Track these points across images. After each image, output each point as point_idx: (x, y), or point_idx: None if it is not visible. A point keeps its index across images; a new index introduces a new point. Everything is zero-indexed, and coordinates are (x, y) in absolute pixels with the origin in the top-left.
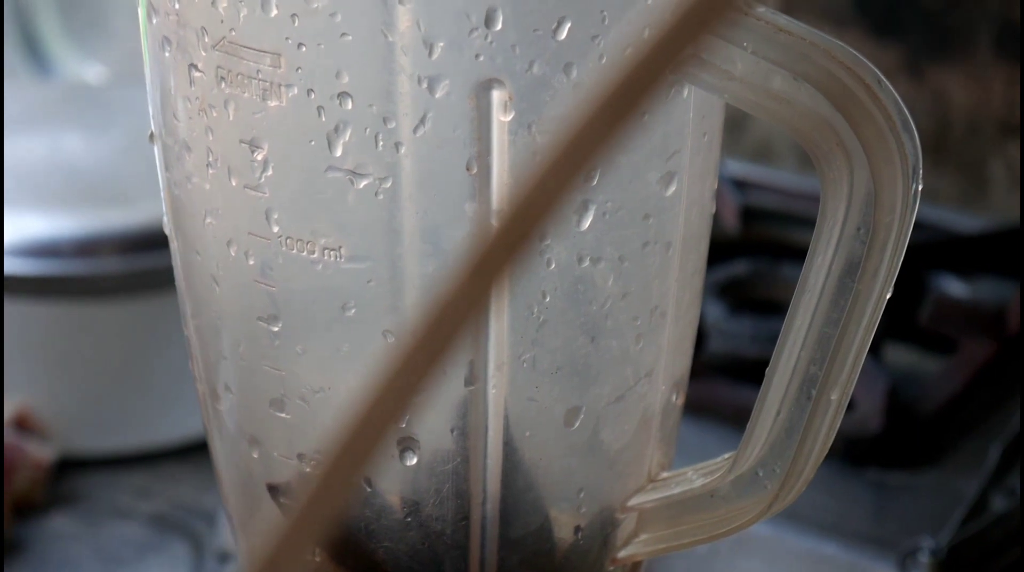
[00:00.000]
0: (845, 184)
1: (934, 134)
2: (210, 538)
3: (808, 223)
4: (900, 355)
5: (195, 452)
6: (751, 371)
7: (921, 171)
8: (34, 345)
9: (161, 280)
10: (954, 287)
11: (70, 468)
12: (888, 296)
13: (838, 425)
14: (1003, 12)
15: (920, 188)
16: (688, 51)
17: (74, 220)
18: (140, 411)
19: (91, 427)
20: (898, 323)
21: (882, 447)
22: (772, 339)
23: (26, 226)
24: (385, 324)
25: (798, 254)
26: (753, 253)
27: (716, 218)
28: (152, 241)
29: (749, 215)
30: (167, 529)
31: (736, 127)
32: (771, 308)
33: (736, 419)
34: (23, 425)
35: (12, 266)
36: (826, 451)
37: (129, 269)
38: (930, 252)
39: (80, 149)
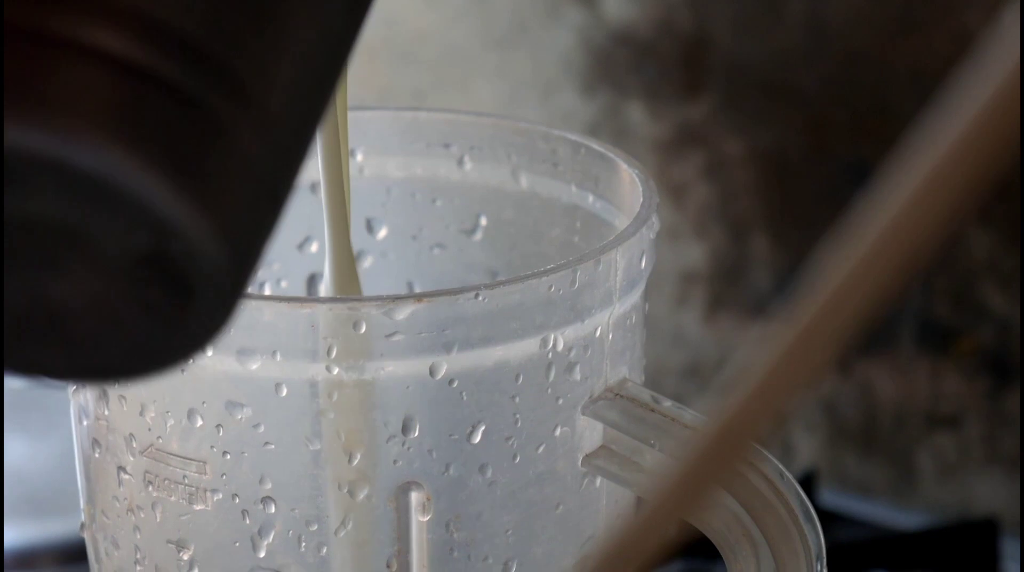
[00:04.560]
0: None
1: (862, 426)
2: None
3: None
4: None
5: None
6: None
7: (825, 558)
8: None
9: None
10: None
11: None
12: None
13: None
14: (924, 308)
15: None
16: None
17: (14, 531)
18: None
19: None
20: None
21: None
22: None
23: None
24: None
25: None
26: (687, 554)
27: None
28: None
29: None
30: None
31: None
32: None
33: None
34: None
35: None
36: None
37: None
38: (866, 550)
39: (23, 456)
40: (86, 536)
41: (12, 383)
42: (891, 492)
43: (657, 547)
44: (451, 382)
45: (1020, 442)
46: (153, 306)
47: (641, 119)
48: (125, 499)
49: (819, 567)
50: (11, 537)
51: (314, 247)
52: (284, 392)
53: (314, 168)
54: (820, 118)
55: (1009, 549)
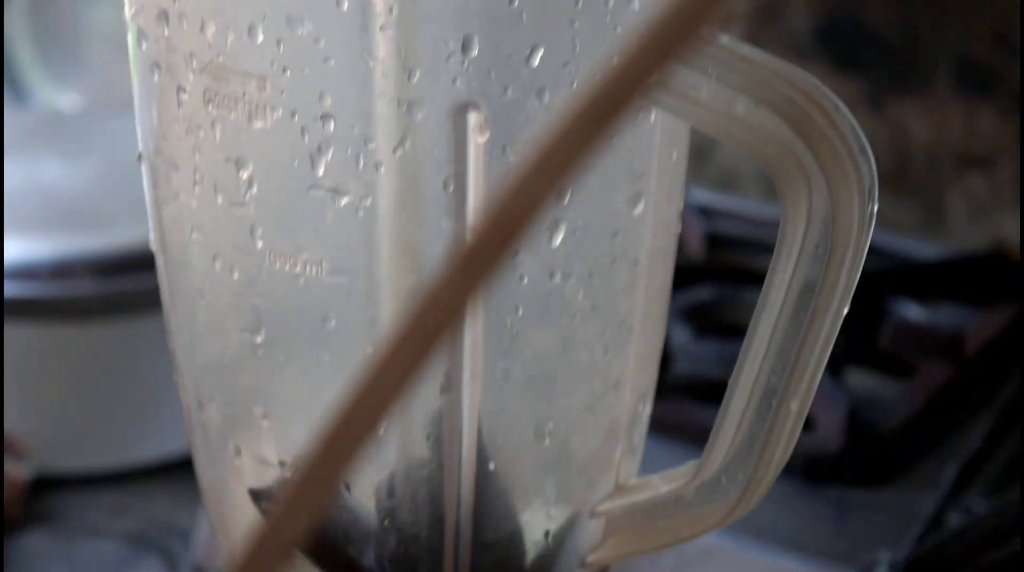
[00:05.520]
0: (804, 205)
1: (894, 166)
2: (184, 554)
3: (771, 250)
4: (860, 379)
5: (168, 471)
6: (716, 392)
7: (876, 192)
8: (9, 366)
9: (135, 302)
10: (913, 313)
11: (46, 487)
12: (845, 311)
13: (798, 433)
14: (961, 47)
15: (876, 209)
16: (653, 78)
17: (50, 244)
18: (114, 431)
19: (66, 446)
20: (858, 347)
21: (842, 466)
22: (736, 361)
23: (4, 250)
24: (364, 336)
25: (761, 280)
26: (718, 279)
27: (681, 245)
28: (127, 264)
29: (714, 242)
30: (142, 546)
31: (701, 156)
32: (735, 331)
33: (701, 438)
34: None
35: None
36: (786, 459)
37: (104, 292)
38: (890, 278)
39: (57, 175)
40: (143, 167)
41: (43, 106)
42: (921, 231)
43: (616, 118)
44: (511, 1)
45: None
46: None
47: None
48: (184, 120)
49: (870, 201)
50: (48, 250)
51: None
52: (344, 6)
53: None
54: None
55: None
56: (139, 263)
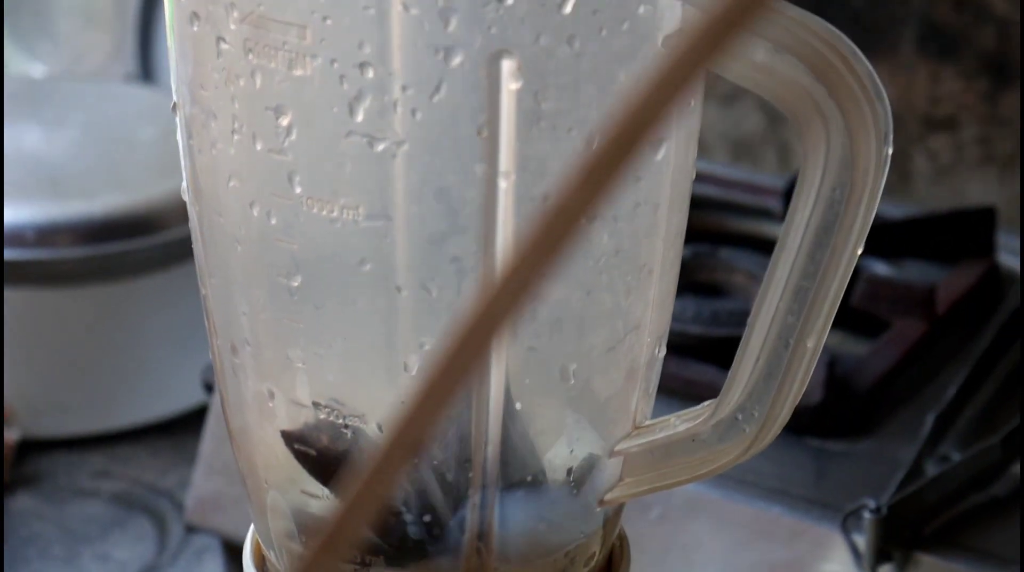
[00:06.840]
0: (823, 148)
1: None
2: (171, 514)
3: (741, 211)
4: (833, 339)
5: (152, 434)
6: (694, 348)
7: (892, 135)
8: None
9: (120, 267)
10: (882, 270)
11: (32, 449)
12: (860, 251)
13: (812, 370)
14: (925, 12)
15: (891, 151)
16: (719, 51)
17: (35, 209)
18: (99, 395)
19: (51, 410)
20: None
21: (822, 418)
22: (713, 318)
23: None
24: (398, 279)
25: (734, 239)
26: (693, 239)
27: None
28: (111, 230)
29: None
30: (129, 507)
31: None
32: (711, 290)
33: (683, 392)
34: None
35: None
36: (800, 395)
37: (88, 256)
38: None
39: (39, 142)
40: (177, 116)
41: (15, 75)
42: (887, 191)
43: (681, 94)
44: None
45: (1021, 142)
46: None
47: None
48: (224, 70)
49: (887, 144)
50: (32, 215)
51: None
52: None
53: None
54: None
55: (1004, 241)
56: (123, 229)
